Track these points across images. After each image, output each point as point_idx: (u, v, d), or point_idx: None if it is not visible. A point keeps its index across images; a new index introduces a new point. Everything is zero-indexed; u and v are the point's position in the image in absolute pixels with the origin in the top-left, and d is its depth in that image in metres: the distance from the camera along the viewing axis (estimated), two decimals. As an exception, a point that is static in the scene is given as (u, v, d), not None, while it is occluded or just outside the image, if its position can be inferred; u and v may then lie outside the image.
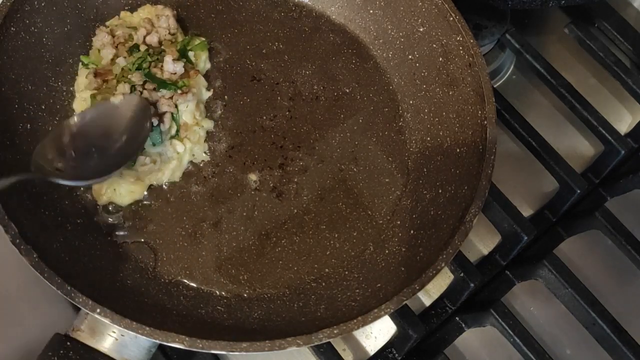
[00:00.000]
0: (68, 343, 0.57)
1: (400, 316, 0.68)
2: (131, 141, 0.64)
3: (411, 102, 0.75)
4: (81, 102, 0.67)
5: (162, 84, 0.67)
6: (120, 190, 0.65)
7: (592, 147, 0.85)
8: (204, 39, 0.74)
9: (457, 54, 0.70)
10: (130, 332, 0.52)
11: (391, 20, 0.76)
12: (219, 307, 0.62)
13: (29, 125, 0.65)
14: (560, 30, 0.91)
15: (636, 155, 0.84)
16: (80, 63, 0.70)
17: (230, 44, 0.76)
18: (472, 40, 0.69)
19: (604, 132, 0.82)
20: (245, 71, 0.75)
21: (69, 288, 0.52)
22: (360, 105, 0.75)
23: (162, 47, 0.70)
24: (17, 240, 0.53)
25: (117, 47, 0.69)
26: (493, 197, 0.75)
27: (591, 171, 0.83)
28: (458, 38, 0.70)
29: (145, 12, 0.73)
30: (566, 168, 0.78)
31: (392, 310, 0.55)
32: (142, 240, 0.65)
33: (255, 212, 0.68)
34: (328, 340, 0.55)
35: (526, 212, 0.79)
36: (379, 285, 0.61)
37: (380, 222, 0.69)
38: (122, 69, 0.68)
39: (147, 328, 0.52)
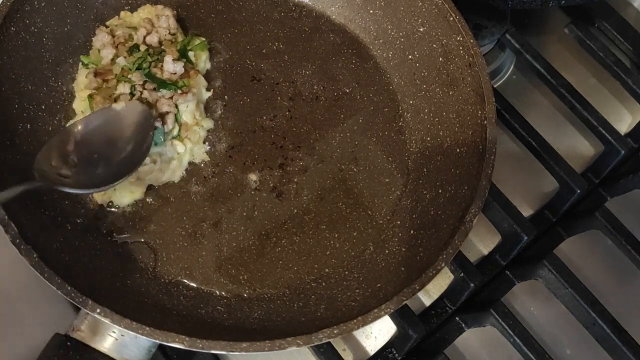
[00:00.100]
0: (68, 343, 0.57)
1: (400, 316, 0.68)
2: (135, 150, 0.64)
3: (411, 102, 0.75)
4: (81, 102, 0.67)
5: (162, 84, 0.67)
6: (120, 190, 0.65)
7: (592, 147, 0.85)
8: (204, 39, 0.74)
9: (457, 54, 0.70)
10: (130, 332, 0.52)
11: (391, 20, 0.76)
12: (219, 307, 0.62)
13: (29, 125, 0.65)
14: (560, 30, 0.91)
15: (636, 155, 0.84)
16: (80, 63, 0.70)
17: (230, 44, 0.76)
18: (472, 40, 0.69)
19: (604, 132, 0.82)
20: (245, 71, 0.75)
21: (69, 288, 0.52)
22: (360, 105, 0.75)
23: (162, 47, 0.70)
24: (17, 240, 0.53)
25: (117, 47, 0.69)
26: (493, 197, 0.75)
27: (591, 171, 0.83)
28: (458, 38, 0.70)
29: (145, 12, 0.73)
30: (566, 168, 0.78)
31: (392, 310, 0.55)
32: (142, 240, 0.65)
33: (255, 212, 0.68)
34: (328, 340, 0.55)
35: (526, 212, 0.79)
36: (379, 285, 0.61)
37: (380, 222, 0.69)
38: (122, 68, 0.68)
39: (147, 328, 0.52)
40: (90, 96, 0.66)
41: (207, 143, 0.70)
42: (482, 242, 0.78)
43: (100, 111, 0.65)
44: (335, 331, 0.54)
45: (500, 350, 0.71)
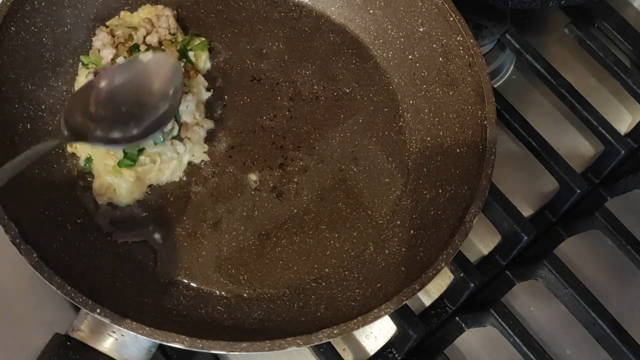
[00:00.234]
0: (68, 343, 0.57)
1: (400, 316, 0.68)
2: (166, 104, 0.62)
3: (411, 102, 0.75)
4: (81, 102, 0.67)
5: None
6: (120, 190, 0.65)
7: (592, 147, 0.85)
8: (204, 39, 0.74)
9: (457, 54, 0.70)
10: (130, 332, 0.52)
11: (391, 20, 0.76)
12: (219, 307, 0.62)
13: (29, 125, 0.65)
14: (560, 30, 0.91)
15: (636, 155, 0.84)
16: (80, 63, 0.70)
17: (230, 44, 0.76)
18: (472, 40, 0.69)
19: (604, 132, 0.81)
20: (245, 71, 0.75)
21: (69, 288, 0.52)
22: (360, 105, 0.75)
23: (162, 47, 0.70)
24: (17, 240, 0.53)
25: (117, 47, 0.69)
26: (493, 197, 0.75)
27: (591, 171, 0.83)
28: (458, 38, 0.70)
29: (145, 12, 0.73)
30: (566, 168, 0.78)
31: (392, 310, 0.55)
32: (142, 240, 0.65)
33: (255, 212, 0.68)
34: (328, 340, 0.56)
35: (526, 212, 0.79)
36: (379, 285, 0.61)
37: (380, 222, 0.69)
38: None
39: (147, 328, 0.52)
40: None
41: (207, 143, 0.70)
42: (482, 242, 0.78)
43: (127, 62, 0.63)
44: (335, 331, 0.54)
45: (500, 350, 0.71)
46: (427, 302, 0.74)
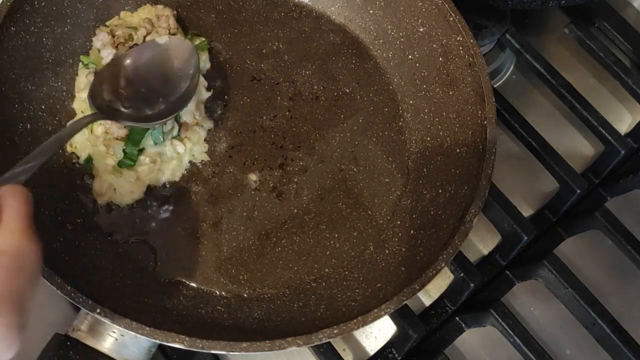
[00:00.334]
0: (68, 343, 0.57)
1: (400, 316, 0.68)
2: (185, 84, 0.66)
3: (411, 102, 0.75)
4: (81, 102, 0.67)
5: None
6: (120, 190, 0.65)
7: (592, 147, 0.85)
8: (204, 39, 0.74)
9: (457, 54, 0.70)
10: (130, 332, 0.52)
11: (391, 20, 0.76)
12: (219, 307, 0.62)
13: (29, 125, 0.65)
14: (560, 30, 0.91)
15: (636, 155, 0.84)
16: (80, 63, 0.70)
17: (230, 44, 0.76)
18: (472, 40, 0.69)
19: (604, 132, 0.81)
20: (245, 71, 0.75)
21: (69, 288, 0.52)
22: (360, 105, 0.75)
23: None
24: (17, 240, 0.53)
25: (117, 47, 0.69)
26: (493, 197, 0.75)
27: (591, 171, 0.83)
28: (458, 38, 0.70)
29: (145, 12, 0.73)
30: (566, 168, 0.78)
31: (392, 310, 0.55)
32: (142, 240, 0.65)
33: (255, 212, 0.68)
34: (328, 340, 0.56)
35: (526, 212, 0.79)
36: (379, 285, 0.61)
37: (380, 222, 0.69)
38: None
39: (147, 328, 0.52)
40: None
41: (207, 143, 0.70)
42: (482, 242, 0.78)
43: (145, 45, 0.66)
44: (335, 331, 0.54)
45: (500, 350, 0.71)
46: (427, 302, 0.74)
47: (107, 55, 0.68)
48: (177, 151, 0.67)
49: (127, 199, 0.66)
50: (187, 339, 0.52)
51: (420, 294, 0.73)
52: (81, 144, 0.66)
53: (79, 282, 0.53)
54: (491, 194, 0.74)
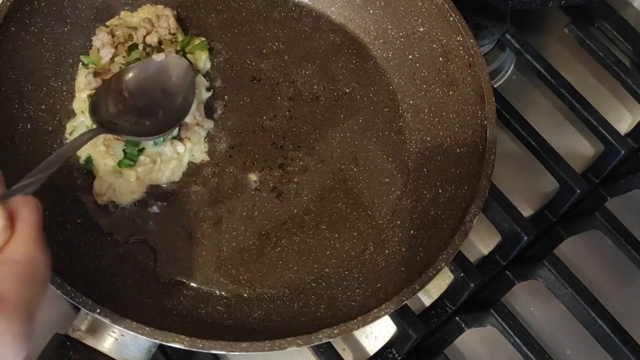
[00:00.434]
0: (68, 343, 0.57)
1: (400, 316, 0.68)
2: (181, 99, 0.67)
3: (411, 102, 0.75)
4: (81, 102, 0.67)
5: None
6: (120, 190, 0.65)
7: (592, 147, 0.85)
8: (204, 39, 0.74)
9: (457, 54, 0.70)
10: (130, 332, 0.52)
11: (391, 20, 0.76)
12: (219, 307, 0.62)
13: (29, 125, 0.65)
14: (560, 30, 0.91)
15: (636, 155, 0.84)
16: (80, 63, 0.70)
17: (230, 44, 0.76)
18: (472, 40, 0.69)
19: (604, 132, 0.81)
20: (245, 71, 0.75)
21: (69, 288, 0.52)
22: (360, 105, 0.75)
23: (162, 46, 0.70)
24: (17, 240, 0.53)
25: (117, 47, 0.69)
26: (493, 197, 0.75)
27: (591, 171, 0.83)
28: (458, 38, 0.70)
29: (145, 12, 0.73)
30: (566, 168, 0.78)
31: (392, 310, 0.55)
32: (142, 240, 0.65)
33: (255, 212, 0.68)
34: (328, 340, 0.55)
35: (526, 212, 0.79)
36: (379, 285, 0.61)
37: (380, 222, 0.69)
38: (121, 68, 0.68)
39: (147, 328, 0.52)
40: (90, 96, 0.66)
41: (207, 143, 0.70)
42: (482, 242, 0.78)
43: (143, 62, 0.67)
44: (335, 331, 0.54)
45: (500, 350, 0.71)
46: (427, 302, 0.74)
47: (107, 55, 0.68)
48: (177, 151, 0.67)
49: (127, 199, 0.66)
50: (187, 339, 0.52)
51: (420, 294, 0.73)
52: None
53: (79, 282, 0.53)
54: (491, 194, 0.74)
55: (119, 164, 0.65)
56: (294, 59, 0.76)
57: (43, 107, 0.67)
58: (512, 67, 0.89)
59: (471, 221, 0.60)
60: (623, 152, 0.81)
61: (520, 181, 0.81)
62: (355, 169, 0.71)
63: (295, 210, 0.68)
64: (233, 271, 0.65)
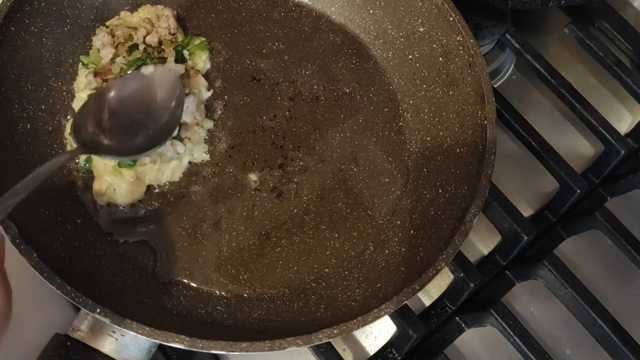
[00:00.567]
0: (68, 343, 0.57)
1: (400, 316, 0.68)
2: (169, 115, 0.65)
3: (411, 102, 0.75)
4: (81, 102, 0.67)
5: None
6: (120, 190, 0.65)
7: (592, 147, 0.85)
8: (204, 39, 0.74)
9: (457, 54, 0.70)
10: (130, 332, 0.52)
11: (391, 20, 0.76)
12: (219, 307, 0.62)
13: (29, 125, 0.65)
14: (560, 30, 0.91)
15: (636, 155, 0.84)
16: (80, 63, 0.70)
17: (230, 44, 0.76)
18: (472, 40, 0.69)
19: (604, 132, 0.82)
20: (245, 71, 0.75)
21: (69, 288, 0.52)
22: (360, 105, 0.75)
23: (162, 46, 0.70)
24: (17, 240, 0.53)
25: (117, 47, 0.69)
26: (493, 197, 0.75)
27: (591, 171, 0.83)
28: (458, 38, 0.70)
29: (145, 12, 0.73)
30: (566, 168, 0.78)
31: (392, 310, 0.55)
32: (142, 240, 0.65)
33: (255, 212, 0.68)
34: (328, 340, 0.56)
35: (526, 212, 0.79)
36: (379, 285, 0.61)
37: (380, 222, 0.69)
38: (121, 68, 0.68)
39: (147, 328, 0.52)
40: (90, 96, 0.66)
41: (207, 143, 0.70)
42: (482, 242, 0.78)
43: (130, 76, 0.65)
44: (335, 331, 0.54)
45: (500, 350, 0.71)
46: (427, 302, 0.74)
47: (107, 55, 0.68)
48: (177, 151, 0.67)
49: (127, 199, 0.66)
50: (187, 339, 0.52)
51: (420, 294, 0.73)
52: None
53: (79, 282, 0.53)
54: (491, 194, 0.74)
55: (119, 164, 0.64)
56: (294, 59, 0.76)
57: (43, 107, 0.67)
58: (512, 67, 0.89)
59: (471, 221, 0.60)
60: (623, 152, 0.81)
61: (520, 181, 0.81)
62: (355, 169, 0.71)
63: (295, 210, 0.68)
64: (233, 271, 0.65)
